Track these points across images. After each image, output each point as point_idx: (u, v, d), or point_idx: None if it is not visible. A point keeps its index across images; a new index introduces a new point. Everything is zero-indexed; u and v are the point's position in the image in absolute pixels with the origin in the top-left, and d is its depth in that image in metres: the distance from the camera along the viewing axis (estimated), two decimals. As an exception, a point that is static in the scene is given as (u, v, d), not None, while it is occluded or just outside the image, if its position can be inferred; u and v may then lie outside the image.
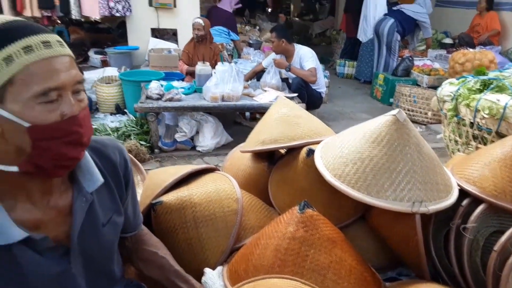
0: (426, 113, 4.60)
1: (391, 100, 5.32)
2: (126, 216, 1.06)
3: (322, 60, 6.38)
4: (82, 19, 5.84)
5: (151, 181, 1.51)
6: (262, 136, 1.63)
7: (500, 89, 2.17)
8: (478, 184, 1.27)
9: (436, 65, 5.61)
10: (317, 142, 1.52)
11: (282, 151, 1.80)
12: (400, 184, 1.21)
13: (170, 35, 6.79)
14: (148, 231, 1.20)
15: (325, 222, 1.19)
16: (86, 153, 0.90)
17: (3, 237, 0.76)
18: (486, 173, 1.29)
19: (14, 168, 0.76)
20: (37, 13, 4.88)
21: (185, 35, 5.50)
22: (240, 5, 6.81)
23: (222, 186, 1.43)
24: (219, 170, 1.59)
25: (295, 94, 3.97)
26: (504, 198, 1.21)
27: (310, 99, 4.15)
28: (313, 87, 4.24)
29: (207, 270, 1.21)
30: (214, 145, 3.74)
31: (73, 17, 5.04)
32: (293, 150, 1.60)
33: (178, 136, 3.67)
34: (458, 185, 1.31)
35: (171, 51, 5.42)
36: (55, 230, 0.85)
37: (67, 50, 0.78)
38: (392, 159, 1.24)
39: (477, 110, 2.15)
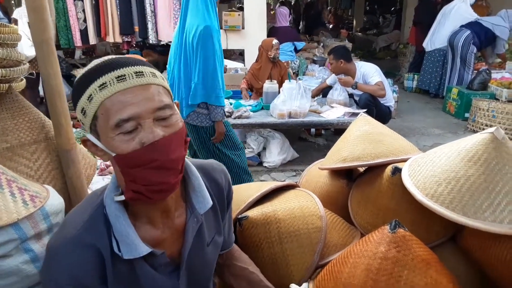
0: (506, 128, 4.28)
1: (467, 114, 5.03)
2: (223, 235, 1.12)
3: (388, 74, 6.24)
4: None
5: (235, 196, 1.56)
6: (343, 153, 1.63)
7: None
8: None
9: (517, 77, 5.23)
10: (403, 160, 1.49)
11: (361, 168, 1.78)
12: (499, 205, 1.14)
13: (237, 55, 7.04)
14: (238, 248, 1.24)
15: (418, 243, 1.15)
16: (197, 174, 0.96)
17: (132, 251, 0.83)
18: None
19: (122, 197, 0.84)
20: (118, 39, 5.32)
21: (252, 55, 5.66)
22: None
23: (305, 203, 1.44)
24: (299, 187, 1.61)
25: (364, 110, 3.91)
26: None
27: (378, 114, 4.06)
28: (382, 102, 4.15)
29: (293, 286, 1.22)
30: (280, 161, 3.78)
31: (150, 41, 5.41)
32: (375, 168, 1.58)
33: (246, 153, 3.76)
34: None
35: (237, 70, 5.61)
36: (170, 248, 0.92)
37: (148, 79, 0.79)
38: (490, 178, 1.18)
39: None
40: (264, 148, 3.89)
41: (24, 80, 1.89)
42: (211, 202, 0.97)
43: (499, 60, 6.39)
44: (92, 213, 0.86)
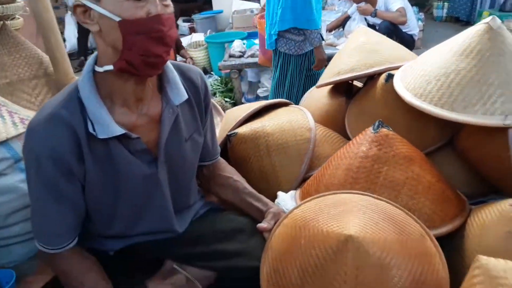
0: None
1: (499, 38, 4.67)
2: (205, 143, 1.14)
3: (417, 4, 5.83)
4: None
5: (228, 117, 1.57)
6: (338, 67, 1.57)
7: None
8: None
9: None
10: (398, 67, 1.41)
11: (361, 84, 1.72)
12: (491, 97, 1.07)
13: (252, -6, 6.76)
14: (224, 161, 1.26)
15: (402, 141, 1.11)
16: (173, 69, 0.99)
17: (105, 131, 0.86)
18: None
19: (110, 67, 0.85)
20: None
21: (268, -7, 5.42)
22: None
23: (295, 117, 1.43)
24: (292, 104, 1.58)
25: (383, 39, 3.71)
26: None
27: (400, 42, 3.83)
28: (404, 30, 3.91)
29: (280, 193, 1.23)
30: (296, 98, 3.72)
31: None
32: (372, 79, 1.51)
33: (261, 92, 3.72)
34: None
35: (253, 10, 5.42)
36: (146, 135, 0.94)
37: None
38: (482, 71, 1.10)
39: None
40: (280, 87, 3.82)
41: (21, 18, 1.91)
42: (186, 95, 0.99)
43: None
44: (68, 95, 0.89)
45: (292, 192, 1.25)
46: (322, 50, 2.53)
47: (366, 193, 0.99)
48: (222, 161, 1.25)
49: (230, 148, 1.41)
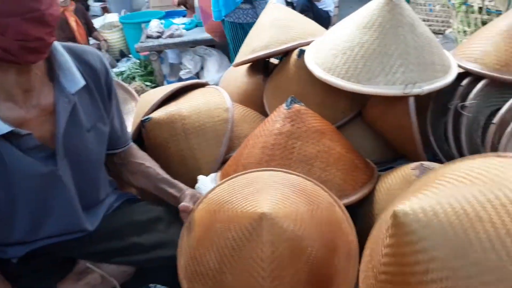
0: (442, 21, 4.32)
1: (406, 13, 4.99)
2: (113, 130, 1.06)
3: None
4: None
5: (142, 102, 1.49)
6: (252, 44, 1.55)
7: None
8: (480, 61, 1.17)
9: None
10: (310, 43, 1.43)
11: (277, 61, 1.73)
12: (392, 68, 1.13)
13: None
14: (136, 146, 1.19)
15: (313, 116, 1.14)
16: (65, 53, 0.89)
17: None
18: (488, 48, 1.18)
19: None
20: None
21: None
22: None
23: (211, 98, 1.39)
24: (209, 85, 1.54)
25: (300, 16, 3.77)
26: (507, 71, 1.12)
27: (316, 20, 3.93)
28: (320, 7, 4.01)
29: (200, 177, 1.21)
30: (219, 78, 3.68)
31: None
32: (287, 56, 1.53)
33: (183, 74, 3.62)
34: (458, 65, 1.21)
35: (170, -12, 5.20)
36: (39, 129, 0.85)
37: None
38: (384, 42, 1.15)
39: (486, -8, 1.98)
40: (202, 68, 3.75)
41: None
42: (82, 81, 0.90)
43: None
44: None
45: (212, 175, 1.23)
46: None
47: (280, 169, 1.01)
48: (133, 147, 1.18)
49: (145, 134, 1.34)
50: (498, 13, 1.92)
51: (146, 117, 1.33)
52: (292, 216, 0.81)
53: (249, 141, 1.17)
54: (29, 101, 0.84)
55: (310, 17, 3.89)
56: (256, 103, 1.62)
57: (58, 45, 0.88)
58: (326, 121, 1.17)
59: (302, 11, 3.84)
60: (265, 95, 1.58)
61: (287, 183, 0.92)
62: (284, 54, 1.57)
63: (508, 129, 0.99)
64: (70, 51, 0.92)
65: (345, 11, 5.64)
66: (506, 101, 1.10)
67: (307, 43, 1.43)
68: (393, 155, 1.37)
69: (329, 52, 1.24)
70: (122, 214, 1.07)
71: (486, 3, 1.97)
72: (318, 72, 1.22)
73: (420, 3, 4.56)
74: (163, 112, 1.33)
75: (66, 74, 0.88)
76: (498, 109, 1.11)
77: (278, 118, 1.12)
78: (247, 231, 0.80)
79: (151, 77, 3.65)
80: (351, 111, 1.36)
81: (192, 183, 1.18)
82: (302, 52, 1.38)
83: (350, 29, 1.22)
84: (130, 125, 1.54)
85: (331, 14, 4.25)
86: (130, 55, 4.29)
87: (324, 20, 4.14)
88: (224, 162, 1.32)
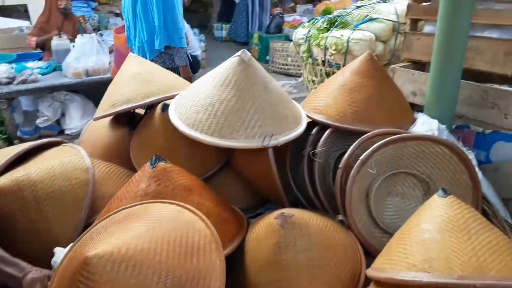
0: (299, 65, 4.84)
1: (267, 57, 5.46)
2: None
3: (200, 26, 6.24)
4: None
5: (-19, 167, 1.29)
6: (113, 98, 1.49)
7: (344, 25, 2.34)
8: (324, 112, 1.34)
9: (305, 19, 5.88)
10: (173, 97, 1.44)
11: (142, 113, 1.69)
12: (250, 122, 1.20)
13: (21, 12, 5.94)
14: None
15: (180, 172, 1.14)
16: None
17: None
18: (329, 101, 1.35)
19: None
20: None
21: (38, 10, 4.82)
22: None
23: (67, 158, 1.28)
24: (65, 143, 1.42)
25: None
26: (346, 120, 1.29)
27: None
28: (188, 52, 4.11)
29: (57, 249, 1.08)
30: (84, 125, 3.43)
31: None
32: (151, 109, 1.51)
33: (40, 122, 3.28)
34: (307, 116, 1.36)
35: (23, 29, 4.76)
36: None
37: None
38: (241, 99, 1.22)
39: (326, 48, 2.30)
40: (63, 114, 3.45)
41: None
42: None
43: (291, 5, 7.08)
44: None
45: (71, 245, 1.11)
46: (189, 69, 2.65)
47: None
48: None
49: (-13, 206, 1.16)
50: (338, 66, 2.25)
51: (-14, 186, 1.15)
52: (125, 243, 0.80)
53: (112, 204, 1.11)
54: None
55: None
56: (121, 157, 1.54)
57: None
58: (193, 176, 1.17)
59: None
60: (132, 149, 1.52)
61: (127, 215, 0.94)
62: (148, 107, 1.55)
63: (352, 173, 1.13)
64: None
65: (213, 53, 5.94)
66: (349, 146, 1.27)
67: (170, 97, 1.44)
68: (262, 200, 1.44)
69: (191, 109, 1.26)
70: None
71: (327, 57, 2.28)
72: (183, 127, 1.24)
73: (278, 50, 5.04)
74: (8, 178, 1.17)
75: None
76: (344, 152, 1.28)
77: (144, 178, 1.09)
78: (83, 284, 0.77)
79: (2, 128, 3.20)
80: (218, 163, 1.40)
81: (47, 258, 1.04)
82: (166, 107, 1.38)
83: (210, 85, 1.27)
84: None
85: (199, 58, 4.40)
86: (-28, 103, 3.71)
87: (195, 64, 4.25)
88: (86, 227, 1.20)
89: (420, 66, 1.80)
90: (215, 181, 1.39)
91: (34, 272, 0.93)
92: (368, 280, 1.00)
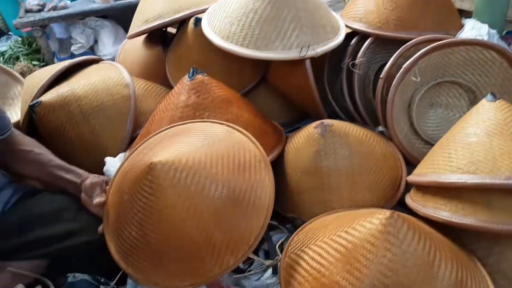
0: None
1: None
2: None
3: None
4: None
5: (28, 85, 1.34)
6: (145, 15, 1.47)
7: None
8: (364, 20, 1.27)
9: None
10: (205, 10, 1.40)
11: (174, 30, 1.67)
12: (287, 32, 1.16)
13: None
14: (19, 133, 1.08)
15: (218, 85, 1.14)
16: None
17: None
18: (370, 7, 1.27)
19: None
20: None
21: None
22: None
23: (108, 75, 1.30)
24: (103, 61, 1.44)
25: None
26: (388, 27, 1.22)
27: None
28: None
29: (107, 159, 1.14)
30: (117, 51, 3.44)
31: None
32: (184, 25, 1.47)
33: (75, 49, 3.30)
34: (346, 26, 1.29)
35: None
36: None
37: None
38: (275, 8, 1.17)
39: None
40: (96, 41, 3.46)
41: None
42: None
43: None
44: None
45: (121, 155, 1.17)
46: None
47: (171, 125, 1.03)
48: (17, 134, 1.06)
49: (37, 120, 1.22)
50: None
51: (35, 101, 1.20)
52: (184, 154, 0.83)
53: (155, 116, 1.14)
54: None
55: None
56: (158, 75, 1.55)
57: None
58: (231, 89, 1.17)
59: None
60: (167, 67, 1.52)
61: (181, 131, 0.96)
62: (181, 24, 1.52)
63: (394, 83, 1.09)
64: None
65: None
66: (391, 56, 1.21)
67: (202, 11, 1.39)
68: (299, 115, 1.43)
69: (225, 20, 1.22)
70: (21, 209, 0.98)
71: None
72: (217, 40, 1.21)
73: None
74: (54, 94, 1.22)
75: None
76: (385, 63, 1.23)
77: (183, 90, 1.10)
78: (147, 187, 0.81)
79: (38, 56, 3.27)
80: (255, 77, 1.38)
81: (97, 168, 1.11)
82: (198, 21, 1.34)
83: (242, -6, 1.22)
84: (17, 112, 1.39)
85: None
86: (10, 33, 3.77)
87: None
88: (132, 140, 1.26)
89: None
90: (252, 96, 1.38)
91: (92, 178, 0.99)
92: (409, 187, 1.01)
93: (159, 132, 1.02)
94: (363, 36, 1.26)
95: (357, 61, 1.21)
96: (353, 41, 1.27)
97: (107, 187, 0.96)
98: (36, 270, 0.93)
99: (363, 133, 1.10)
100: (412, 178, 0.95)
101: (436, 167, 0.88)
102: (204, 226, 0.79)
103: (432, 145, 1.05)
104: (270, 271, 0.95)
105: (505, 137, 0.82)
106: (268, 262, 0.94)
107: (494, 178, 0.77)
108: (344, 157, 1.02)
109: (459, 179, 0.80)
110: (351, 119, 1.29)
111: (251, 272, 0.95)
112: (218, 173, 0.83)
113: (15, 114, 1.39)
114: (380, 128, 1.16)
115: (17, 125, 1.27)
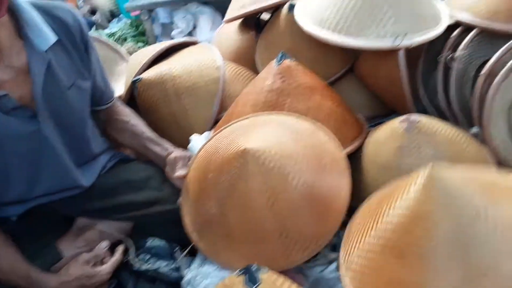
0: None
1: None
2: (96, 86, 1.06)
3: None
4: None
5: (132, 63, 1.48)
6: (242, 0, 1.52)
7: None
8: (471, 10, 1.15)
9: None
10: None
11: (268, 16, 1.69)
12: (382, 20, 1.11)
13: None
14: (121, 103, 1.20)
15: (304, 72, 1.14)
16: (33, 10, 0.87)
17: None
18: (480, -4, 1.16)
19: None
20: None
21: None
22: None
23: (202, 57, 1.38)
24: (201, 43, 1.52)
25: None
26: (498, 18, 1.10)
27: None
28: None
29: (193, 136, 1.22)
30: (213, 37, 3.60)
31: None
32: (278, 11, 1.49)
33: (175, 33, 3.53)
34: (450, 15, 1.19)
35: None
36: (18, 90, 0.85)
37: None
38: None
39: None
40: (195, 27, 3.66)
41: None
42: (53, 38, 0.89)
43: None
44: None
45: (205, 133, 1.24)
46: None
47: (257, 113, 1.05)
48: (118, 104, 1.19)
49: (138, 95, 1.35)
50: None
51: (137, 77, 1.33)
52: (273, 145, 0.87)
53: (240, 99, 1.18)
54: (1, 62, 0.84)
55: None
56: (249, 61, 1.60)
57: (23, 2, 0.86)
58: (316, 77, 1.17)
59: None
60: (258, 52, 1.55)
61: (267, 121, 0.99)
62: (275, 9, 1.54)
63: (496, 80, 0.99)
64: (39, 8, 0.90)
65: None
66: (497, 51, 1.09)
67: (298, -4, 1.39)
68: (385, 110, 1.37)
69: (320, 4, 1.21)
70: (117, 173, 1.09)
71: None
72: (307, 26, 1.21)
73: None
74: (154, 72, 1.33)
75: (34, 30, 0.86)
76: (488, 60, 1.11)
77: (269, 75, 1.12)
78: (235, 169, 0.86)
79: (143, 38, 3.57)
80: (343, 66, 1.35)
81: (181, 144, 1.19)
82: (292, 6, 1.35)
83: (340, -20, 1.19)
84: (122, 87, 1.54)
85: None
86: (121, 15, 4.17)
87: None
88: (216, 122, 1.33)
89: None
90: (337, 86, 1.36)
91: (177, 152, 1.07)
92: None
93: (246, 118, 1.05)
94: (468, 27, 1.16)
95: (457, 54, 1.12)
96: (455, 32, 1.16)
97: (189, 162, 1.03)
98: (121, 231, 1.03)
99: (453, 133, 1.02)
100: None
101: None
102: (280, 217, 0.84)
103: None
104: (334, 265, 0.94)
105: None
106: (333, 256, 0.93)
107: None
108: (428, 157, 0.96)
109: None
110: (443, 118, 1.20)
111: (316, 263, 0.95)
112: (302, 170, 0.87)
113: (118, 90, 1.55)
114: (474, 130, 1.07)
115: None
